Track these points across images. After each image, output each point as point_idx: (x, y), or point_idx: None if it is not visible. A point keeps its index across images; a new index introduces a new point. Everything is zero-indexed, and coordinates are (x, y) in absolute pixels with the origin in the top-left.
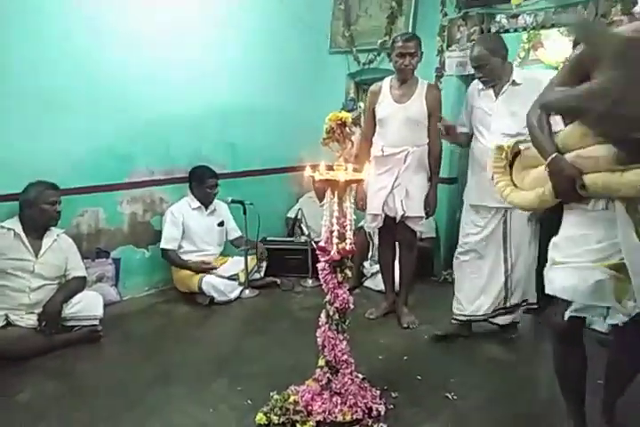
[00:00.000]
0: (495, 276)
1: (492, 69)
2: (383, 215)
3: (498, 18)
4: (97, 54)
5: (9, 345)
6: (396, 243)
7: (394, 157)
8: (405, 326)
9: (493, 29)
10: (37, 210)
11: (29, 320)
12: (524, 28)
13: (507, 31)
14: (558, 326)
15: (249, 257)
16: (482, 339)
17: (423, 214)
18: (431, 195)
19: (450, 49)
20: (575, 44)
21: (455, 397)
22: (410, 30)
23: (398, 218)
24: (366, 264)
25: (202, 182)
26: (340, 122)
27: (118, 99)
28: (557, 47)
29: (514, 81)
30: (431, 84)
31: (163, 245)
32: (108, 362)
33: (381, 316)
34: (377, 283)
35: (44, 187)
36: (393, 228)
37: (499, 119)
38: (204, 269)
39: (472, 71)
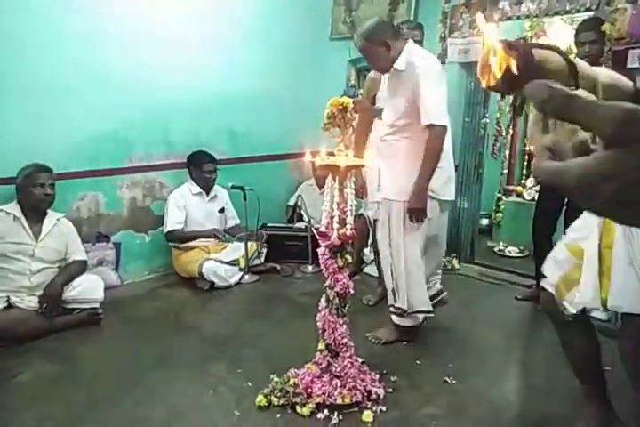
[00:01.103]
0: (384, 269)
1: (377, 59)
2: None
3: (501, 5)
4: (97, 40)
5: (10, 327)
6: None
7: None
8: None
9: (496, 17)
10: (27, 193)
11: (30, 302)
12: (527, 16)
13: (509, 19)
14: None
15: (249, 243)
16: (480, 325)
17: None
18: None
19: (452, 36)
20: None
21: (454, 381)
22: (412, 17)
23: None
24: (366, 251)
25: (199, 167)
26: (341, 107)
27: (118, 83)
28: (560, 35)
29: (395, 69)
30: None
31: (168, 227)
32: (108, 345)
33: (378, 301)
34: (376, 269)
35: (32, 169)
36: None
37: (384, 109)
38: (211, 236)
39: (475, 59)
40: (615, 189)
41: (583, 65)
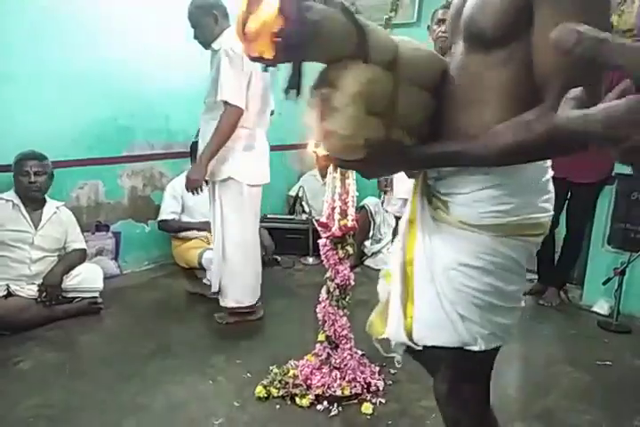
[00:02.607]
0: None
1: (202, 29)
2: None
3: None
4: (98, 27)
5: (10, 315)
6: None
7: None
8: None
9: None
10: (17, 180)
11: (30, 291)
12: None
13: None
14: None
15: None
16: None
17: None
18: None
19: None
20: None
21: None
22: (417, 5)
23: None
24: (367, 243)
25: None
26: None
27: (119, 71)
28: None
29: (212, 48)
30: None
31: (161, 217)
32: (107, 334)
33: None
34: (377, 262)
35: (19, 157)
36: None
37: None
38: (205, 229)
39: None
40: None
41: (378, 31)
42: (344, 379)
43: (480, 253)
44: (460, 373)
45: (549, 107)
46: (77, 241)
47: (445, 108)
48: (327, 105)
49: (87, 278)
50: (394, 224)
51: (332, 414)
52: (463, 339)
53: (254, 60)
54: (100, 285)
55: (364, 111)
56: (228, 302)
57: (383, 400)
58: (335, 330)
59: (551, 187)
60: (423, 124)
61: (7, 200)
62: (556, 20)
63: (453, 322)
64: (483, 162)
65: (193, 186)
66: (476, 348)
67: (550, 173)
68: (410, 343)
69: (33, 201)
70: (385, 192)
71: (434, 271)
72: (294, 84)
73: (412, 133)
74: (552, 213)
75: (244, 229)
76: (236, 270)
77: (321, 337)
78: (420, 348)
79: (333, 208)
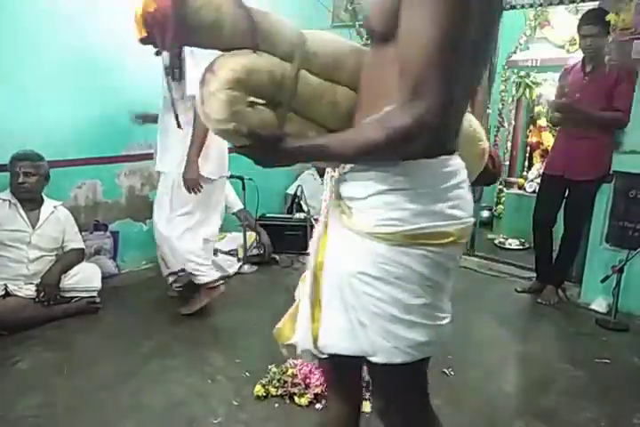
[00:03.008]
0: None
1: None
2: None
3: None
4: (96, 25)
5: (8, 315)
6: None
7: None
8: None
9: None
10: (10, 181)
11: (28, 291)
12: (531, 5)
13: (513, 7)
14: None
15: (247, 233)
16: (479, 317)
17: None
18: None
19: None
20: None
21: (452, 373)
22: None
23: None
24: None
25: None
26: None
27: (118, 70)
28: (565, 25)
29: None
30: None
31: None
32: (106, 333)
33: None
34: None
35: (13, 157)
36: None
37: None
38: None
39: None
40: None
41: (281, 25)
42: None
43: (378, 262)
44: (383, 385)
45: (399, 106)
46: (75, 240)
47: (358, 104)
48: (207, 89)
49: (85, 278)
50: None
51: None
52: (363, 348)
53: (143, 43)
54: (98, 284)
55: (241, 98)
56: (203, 278)
57: None
58: None
59: (462, 192)
60: (342, 119)
61: (4, 200)
62: (412, 21)
63: (355, 329)
64: (343, 158)
65: (193, 185)
66: (375, 359)
67: (461, 177)
68: (314, 351)
69: (28, 201)
70: None
71: (340, 277)
72: (172, 66)
73: (329, 127)
74: (466, 220)
75: (200, 217)
76: (195, 252)
77: None
78: (325, 356)
79: None
